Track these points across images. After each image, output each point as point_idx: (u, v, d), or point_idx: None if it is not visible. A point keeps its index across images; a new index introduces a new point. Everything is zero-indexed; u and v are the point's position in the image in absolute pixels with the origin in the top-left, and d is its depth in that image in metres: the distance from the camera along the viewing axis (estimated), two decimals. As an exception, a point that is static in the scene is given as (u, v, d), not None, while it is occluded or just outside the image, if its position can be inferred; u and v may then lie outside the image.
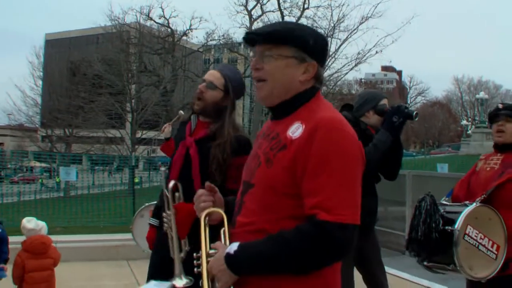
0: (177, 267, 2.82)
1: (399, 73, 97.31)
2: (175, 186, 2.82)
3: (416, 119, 3.91)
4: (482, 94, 53.47)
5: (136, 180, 17.65)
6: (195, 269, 1.95)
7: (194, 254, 1.99)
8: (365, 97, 4.17)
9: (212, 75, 3.29)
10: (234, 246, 1.82)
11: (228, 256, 1.81)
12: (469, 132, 55.10)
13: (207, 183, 2.12)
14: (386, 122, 3.86)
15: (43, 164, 29.71)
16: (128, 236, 8.63)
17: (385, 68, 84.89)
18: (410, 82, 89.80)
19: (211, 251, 1.92)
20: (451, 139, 69.45)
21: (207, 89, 3.22)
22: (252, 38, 1.98)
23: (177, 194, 2.84)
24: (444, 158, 29.99)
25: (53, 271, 5.40)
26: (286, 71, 1.92)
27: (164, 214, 2.98)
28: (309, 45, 1.92)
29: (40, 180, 26.79)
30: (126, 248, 7.95)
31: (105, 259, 7.90)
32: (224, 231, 1.99)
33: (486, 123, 50.77)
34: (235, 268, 1.80)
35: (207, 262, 1.90)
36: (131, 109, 38.15)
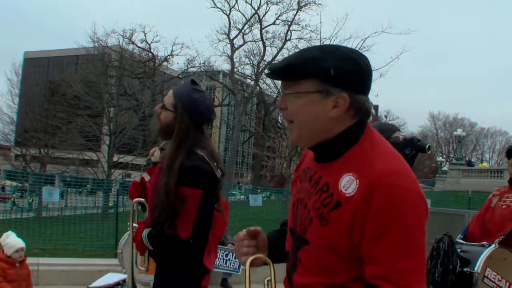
0: (129, 279, 3.01)
1: (376, 107, 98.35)
2: (140, 204, 3.01)
3: (429, 152, 3.90)
4: (459, 131, 54.28)
5: (110, 204, 17.43)
6: None
7: None
8: (378, 129, 4.12)
9: (167, 95, 3.11)
10: None
11: None
12: (445, 168, 55.73)
13: (248, 229, 1.89)
14: None
15: (15, 183, 29.17)
16: (112, 261, 8.47)
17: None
18: (386, 117, 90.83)
19: None
20: (425, 175, 70.06)
21: (161, 109, 3.05)
22: (271, 76, 1.77)
23: (145, 213, 2.91)
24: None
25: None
26: (311, 109, 1.64)
27: (133, 225, 3.09)
28: (330, 74, 1.60)
29: (12, 199, 26.27)
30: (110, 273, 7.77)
31: (89, 284, 7.69)
32: (269, 282, 1.81)
33: (462, 160, 51.68)
34: None
35: None
36: (109, 132, 37.85)
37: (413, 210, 1.54)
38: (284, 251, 1.86)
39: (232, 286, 7.76)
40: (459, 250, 3.22)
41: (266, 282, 1.81)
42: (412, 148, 3.82)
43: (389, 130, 4.14)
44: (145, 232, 2.93)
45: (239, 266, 7.49)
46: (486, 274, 3.11)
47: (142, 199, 3.14)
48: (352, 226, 1.55)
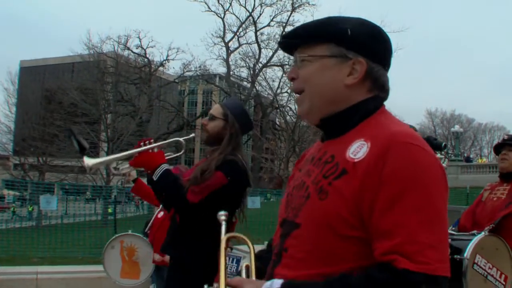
0: None
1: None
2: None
3: (445, 150, 4.00)
4: (457, 128, 54.21)
5: (110, 210, 17.43)
6: None
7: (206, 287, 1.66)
8: None
9: (213, 108, 3.46)
10: (277, 284, 1.39)
11: None
12: (443, 165, 55.54)
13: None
14: None
15: (15, 192, 29.11)
16: (111, 267, 8.47)
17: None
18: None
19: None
20: (424, 172, 70.03)
21: (209, 121, 3.37)
22: (286, 44, 1.63)
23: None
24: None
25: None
26: (324, 74, 1.50)
27: None
28: (347, 35, 1.47)
29: (12, 209, 26.20)
30: (109, 280, 7.75)
31: (87, 292, 7.71)
32: (247, 266, 1.59)
33: (460, 156, 51.69)
34: None
35: None
36: (106, 138, 37.81)
37: (435, 175, 1.34)
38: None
39: None
40: (449, 240, 3.26)
41: (244, 267, 1.59)
42: (429, 146, 3.94)
43: None
44: (164, 168, 3.17)
45: (236, 269, 7.48)
46: (476, 261, 3.12)
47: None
48: (361, 194, 1.34)
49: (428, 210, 1.29)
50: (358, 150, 1.40)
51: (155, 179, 3.14)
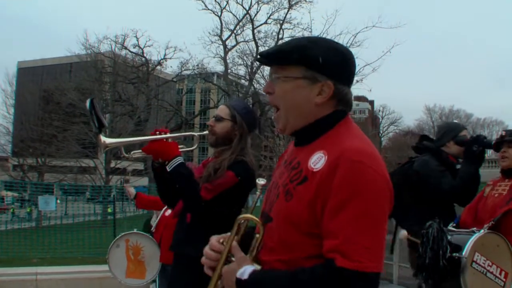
0: None
1: (371, 103, 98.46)
2: None
3: (500, 150, 4.04)
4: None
5: (109, 210, 17.42)
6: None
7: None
8: (445, 129, 4.43)
9: (219, 109, 3.52)
10: (247, 271, 1.68)
11: (238, 281, 1.68)
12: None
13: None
14: (467, 151, 4.05)
15: (14, 194, 29.10)
16: (111, 267, 8.46)
17: (357, 98, 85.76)
18: (382, 112, 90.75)
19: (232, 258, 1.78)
20: (423, 168, 69.96)
21: (216, 122, 3.44)
22: (261, 61, 1.83)
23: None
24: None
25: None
26: (297, 93, 1.73)
27: None
28: (318, 62, 1.70)
29: (11, 210, 26.19)
30: (109, 280, 7.73)
31: (87, 292, 7.71)
32: (257, 239, 1.80)
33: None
34: None
35: (224, 264, 1.80)
36: (105, 138, 37.75)
37: (374, 189, 1.58)
38: None
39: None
40: (449, 237, 3.26)
41: (255, 241, 1.80)
42: (479, 144, 4.01)
43: (456, 129, 4.35)
44: (180, 160, 3.26)
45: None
46: (474, 259, 3.12)
47: None
48: (315, 199, 1.60)
49: (366, 218, 1.55)
50: (317, 161, 1.66)
51: (168, 169, 3.22)
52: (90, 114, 3.13)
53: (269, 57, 1.82)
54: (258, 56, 1.87)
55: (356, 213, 1.54)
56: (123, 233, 6.05)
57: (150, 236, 5.81)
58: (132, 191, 6.11)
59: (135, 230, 6.07)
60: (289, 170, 1.77)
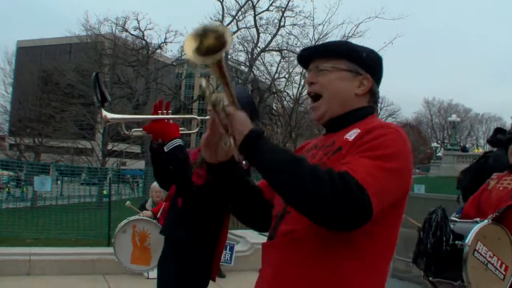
0: None
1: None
2: None
3: None
4: (454, 117, 54.22)
5: (105, 192, 17.37)
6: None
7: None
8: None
9: None
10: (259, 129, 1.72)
11: (253, 130, 1.69)
12: (439, 154, 55.73)
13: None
14: None
15: (10, 173, 29.08)
16: (105, 250, 8.45)
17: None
18: (381, 104, 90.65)
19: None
20: (420, 161, 70.12)
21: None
22: (306, 54, 2.01)
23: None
24: (416, 180, 30.28)
25: None
26: (341, 83, 1.90)
27: None
28: (362, 57, 1.91)
29: (6, 189, 26.15)
30: (103, 263, 7.75)
31: (81, 273, 7.67)
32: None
33: (457, 145, 51.77)
34: (253, 145, 1.66)
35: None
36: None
37: (402, 149, 1.70)
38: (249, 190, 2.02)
39: (225, 274, 7.76)
40: (452, 226, 3.24)
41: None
42: None
43: None
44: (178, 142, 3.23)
45: (231, 257, 7.62)
46: (477, 248, 3.12)
47: None
48: (346, 156, 1.71)
49: (381, 165, 1.63)
50: (353, 134, 1.78)
51: (166, 150, 3.19)
52: (93, 87, 3.08)
53: (318, 50, 2.00)
54: (304, 51, 2.07)
55: (376, 157, 1.64)
56: (130, 218, 6.03)
57: (158, 223, 5.78)
58: (149, 214, 6.42)
59: (142, 216, 6.17)
60: (323, 149, 1.88)
